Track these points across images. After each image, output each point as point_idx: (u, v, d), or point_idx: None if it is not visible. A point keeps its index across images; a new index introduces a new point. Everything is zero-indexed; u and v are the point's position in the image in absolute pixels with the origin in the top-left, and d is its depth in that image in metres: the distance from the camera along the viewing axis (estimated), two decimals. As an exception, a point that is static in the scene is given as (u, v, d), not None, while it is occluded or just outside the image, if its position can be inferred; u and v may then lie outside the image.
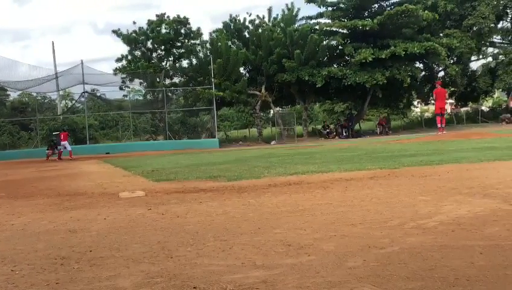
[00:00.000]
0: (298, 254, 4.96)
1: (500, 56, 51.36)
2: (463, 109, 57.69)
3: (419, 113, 59.01)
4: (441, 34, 47.76)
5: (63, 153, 34.07)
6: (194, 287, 4.12)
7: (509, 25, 52.03)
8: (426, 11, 45.94)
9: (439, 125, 27.50)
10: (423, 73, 51.10)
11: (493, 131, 32.40)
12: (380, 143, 27.55)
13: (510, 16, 51.00)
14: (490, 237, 5.15)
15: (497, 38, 52.67)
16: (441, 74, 52.30)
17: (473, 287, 3.72)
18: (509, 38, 51.75)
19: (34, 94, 50.07)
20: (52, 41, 58.26)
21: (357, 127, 49.63)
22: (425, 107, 59.91)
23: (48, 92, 47.38)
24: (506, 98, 57.70)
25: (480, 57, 54.03)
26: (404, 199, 7.76)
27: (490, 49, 53.59)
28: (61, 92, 46.13)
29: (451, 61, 49.36)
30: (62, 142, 33.19)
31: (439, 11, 47.90)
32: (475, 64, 54.35)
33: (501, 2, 48.29)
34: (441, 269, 4.20)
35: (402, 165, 13.04)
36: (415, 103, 57.28)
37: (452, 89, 54.12)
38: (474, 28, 48.22)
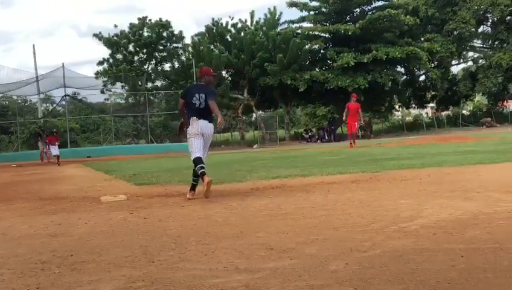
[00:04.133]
0: (280, 257, 4.97)
1: (481, 60, 51.85)
2: (444, 113, 58.06)
3: (400, 117, 59.26)
4: (422, 39, 48.16)
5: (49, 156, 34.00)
6: (176, 292, 4.12)
7: (489, 29, 52.54)
8: (408, 16, 46.33)
9: (352, 141, 26.65)
10: (404, 77, 51.43)
11: (474, 135, 32.64)
12: (362, 147, 27.64)
13: (490, 20, 51.46)
14: (471, 240, 5.18)
15: (477, 43, 53.19)
16: (422, 77, 52.65)
17: (455, 289, 3.75)
18: (490, 42, 52.23)
19: (15, 97, 49.96)
20: (33, 44, 57.89)
21: (339, 130, 49.93)
22: (407, 111, 60.19)
23: (28, 95, 47.40)
24: (486, 102, 58.20)
25: (461, 61, 54.56)
26: (385, 203, 7.79)
27: (471, 54, 54.18)
28: (42, 95, 46.00)
29: (432, 65, 49.76)
30: (50, 146, 32.97)
31: (420, 16, 48.29)
32: (456, 69, 54.93)
33: (481, 7, 48.68)
34: (423, 272, 4.22)
35: (383, 169, 13.11)
36: (397, 106, 57.55)
37: (433, 93, 54.58)
38: (455, 33, 48.67)
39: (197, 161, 9.76)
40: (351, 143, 26.18)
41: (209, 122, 10.12)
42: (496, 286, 3.80)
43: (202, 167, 9.63)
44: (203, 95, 9.91)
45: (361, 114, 26.59)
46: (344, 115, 26.80)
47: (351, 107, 25.66)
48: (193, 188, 10.00)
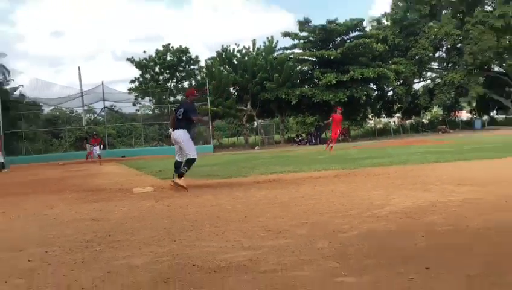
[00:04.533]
0: (277, 237, 4.97)
1: (437, 79, 51.81)
2: (407, 121, 57.98)
3: (373, 125, 59.19)
4: (390, 62, 48.08)
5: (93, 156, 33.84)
6: (194, 265, 4.11)
7: (444, 54, 52.48)
8: (378, 44, 46.29)
9: (332, 144, 26.20)
10: (376, 92, 51.35)
11: (432, 139, 32.59)
12: (341, 148, 27.58)
13: (445, 47, 51.41)
14: (430, 223, 5.18)
15: (434, 65, 53.16)
16: (390, 93, 52.60)
17: (416, 264, 3.74)
18: (444, 64, 52.20)
19: (64, 109, 49.95)
20: (79, 67, 57.73)
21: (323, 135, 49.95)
22: (378, 120, 60.13)
23: (75, 107, 47.29)
24: (441, 112, 58.15)
25: (421, 79, 54.51)
26: (361, 193, 7.78)
27: (429, 74, 54.12)
28: (85, 107, 46.00)
29: (398, 83, 49.73)
30: (94, 147, 32.69)
31: (388, 43, 48.30)
32: (417, 86, 54.81)
33: (437, 36, 48.69)
34: (391, 249, 4.22)
35: (360, 166, 13.08)
36: (370, 116, 57.53)
37: (399, 105, 54.60)
38: (416, 57, 48.65)
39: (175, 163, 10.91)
40: (331, 146, 25.84)
41: (181, 128, 10.61)
42: (450, 259, 3.79)
43: (176, 168, 10.73)
44: (182, 110, 10.65)
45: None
46: (329, 122, 26.46)
47: (336, 117, 25.47)
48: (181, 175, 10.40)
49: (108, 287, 3.66)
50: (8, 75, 50.32)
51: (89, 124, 48.45)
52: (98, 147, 32.25)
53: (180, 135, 10.57)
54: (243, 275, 3.74)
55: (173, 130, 10.80)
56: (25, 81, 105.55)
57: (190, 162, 10.44)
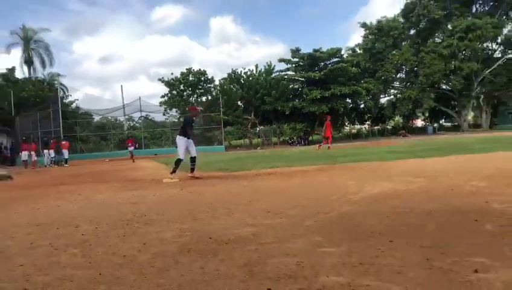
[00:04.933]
0: (274, 217, 4.97)
1: (398, 95, 51.68)
2: (376, 127, 57.87)
3: (348, 130, 59.10)
4: (362, 81, 48.01)
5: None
6: (210, 238, 4.12)
7: (403, 75, 52.40)
8: (353, 67, 46.36)
9: (325, 144, 26.16)
10: (351, 105, 51.31)
11: (394, 141, 32.55)
12: (323, 149, 27.56)
13: (404, 70, 51.33)
14: (392, 206, 5.17)
15: (396, 84, 53.05)
16: (362, 105, 52.54)
17: (382, 238, 3.74)
18: (404, 83, 52.08)
19: (110, 117, 50.13)
20: (121, 85, 58.15)
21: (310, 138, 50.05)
22: (353, 126, 59.99)
23: (118, 116, 47.48)
24: (402, 121, 58.06)
25: (386, 95, 54.34)
26: (339, 183, 7.77)
27: (392, 90, 53.94)
28: (126, 116, 46.04)
29: (368, 98, 49.62)
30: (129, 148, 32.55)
31: (361, 67, 48.27)
32: (383, 100, 54.68)
33: (399, 62, 48.66)
34: (363, 226, 4.21)
35: (338, 162, 13.07)
36: (346, 123, 57.49)
37: (369, 115, 54.55)
38: (382, 78, 48.59)
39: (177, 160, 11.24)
40: (320, 145, 25.72)
41: (180, 135, 11.35)
42: (408, 234, 3.78)
43: (177, 164, 11.19)
44: (183, 121, 11.57)
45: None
46: (324, 127, 26.34)
47: (328, 124, 25.70)
48: (175, 169, 11.15)
49: (144, 255, 3.67)
50: (67, 92, 50.59)
51: (129, 130, 48.51)
52: (131, 147, 32.14)
53: (177, 139, 11.34)
54: (248, 246, 3.75)
55: (184, 137, 11.32)
56: (80, 96, 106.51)
57: (193, 160, 11.36)
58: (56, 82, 46.18)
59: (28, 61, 49.85)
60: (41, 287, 2.96)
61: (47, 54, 50.50)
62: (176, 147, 11.35)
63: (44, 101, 38.62)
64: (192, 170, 11.16)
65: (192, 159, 11.25)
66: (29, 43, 49.44)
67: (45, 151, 29.24)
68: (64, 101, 45.93)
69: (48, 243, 4.34)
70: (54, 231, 4.99)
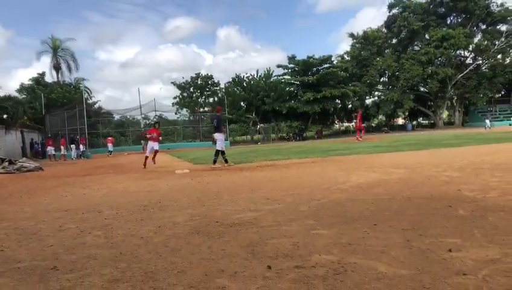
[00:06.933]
0: (273, 203, 4.97)
1: (382, 96, 51.60)
2: (362, 125, 57.78)
3: (338, 127, 58.92)
4: (350, 85, 47.84)
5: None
6: (216, 221, 4.12)
7: (386, 79, 52.24)
8: (342, 72, 46.28)
9: (359, 135, 25.85)
10: (340, 105, 51.20)
11: (378, 137, 32.53)
12: (316, 144, 27.57)
13: (387, 74, 51.18)
14: (376, 194, 5.18)
15: (380, 87, 52.87)
16: (350, 106, 52.37)
17: (367, 221, 3.74)
18: (386, 87, 51.94)
19: (128, 116, 50.06)
20: (138, 88, 58.02)
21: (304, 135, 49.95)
22: (342, 124, 59.79)
23: (135, 115, 47.29)
24: (384, 119, 57.92)
25: (371, 97, 54.22)
26: (330, 173, 7.78)
27: (376, 93, 53.77)
28: (142, 115, 45.95)
29: (355, 99, 49.51)
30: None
31: (349, 72, 48.15)
32: (368, 101, 54.47)
33: (382, 67, 48.58)
34: (351, 212, 4.22)
35: (329, 155, 13.09)
36: (336, 121, 57.30)
37: (355, 114, 54.36)
38: (368, 81, 48.46)
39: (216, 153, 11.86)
40: (360, 136, 25.32)
41: (216, 132, 11.84)
42: (390, 218, 3.78)
43: (216, 156, 11.77)
44: (215, 120, 12.11)
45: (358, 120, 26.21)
46: (357, 120, 26.23)
47: (359, 117, 25.74)
48: (214, 162, 11.75)
49: (159, 236, 3.68)
50: (91, 94, 50.55)
51: (145, 127, 48.51)
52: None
53: (216, 135, 11.81)
54: (250, 228, 3.76)
55: (214, 133, 12.09)
56: (102, 98, 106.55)
57: (217, 153, 11.80)
58: (81, 85, 45.95)
59: (56, 67, 49.79)
60: (69, 265, 2.97)
61: (73, 61, 50.42)
62: (214, 143, 11.93)
63: (71, 102, 38.59)
64: (222, 161, 11.84)
65: (222, 153, 11.87)
66: (57, 51, 49.34)
67: (72, 146, 29.30)
68: (88, 102, 45.85)
69: (74, 226, 4.35)
70: (80, 215, 5.00)
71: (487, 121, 37.50)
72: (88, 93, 49.21)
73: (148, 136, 13.82)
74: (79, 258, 3.11)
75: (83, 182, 9.67)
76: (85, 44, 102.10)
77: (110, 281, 2.56)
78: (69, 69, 50.42)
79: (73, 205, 5.86)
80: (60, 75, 50.23)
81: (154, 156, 13.95)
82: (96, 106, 48.85)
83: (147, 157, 13.41)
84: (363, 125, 25.69)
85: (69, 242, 3.67)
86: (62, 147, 28.61)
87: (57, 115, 37.70)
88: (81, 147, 29.97)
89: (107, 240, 3.66)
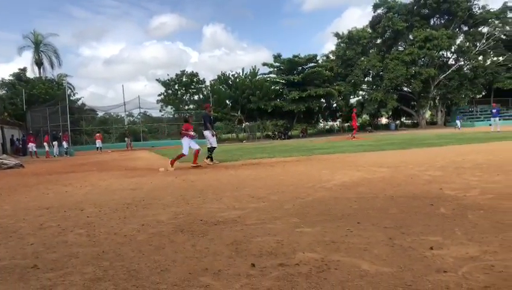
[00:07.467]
0: (258, 201, 4.97)
1: (366, 96, 52.06)
2: (346, 124, 57.90)
3: (323, 126, 59.21)
4: (335, 84, 48.10)
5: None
6: (201, 220, 4.10)
7: (370, 79, 52.66)
8: (327, 71, 46.49)
9: (354, 134, 26.02)
10: (325, 104, 51.48)
11: (362, 136, 32.83)
12: (301, 142, 27.70)
13: (371, 74, 51.59)
14: (360, 192, 5.22)
15: (364, 87, 53.26)
16: (334, 105, 52.66)
17: (351, 220, 3.77)
18: (371, 86, 52.35)
19: (112, 113, 49.47)
20: (122, 85, 57.42)
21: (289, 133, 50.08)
22: (326, 123, 60.11)
23: (119, 112, 46.77)
24: (368, 118, 58.45)
25: (355, 96, 54.62)
26: (314, 172, 7.82)
27: (361, 92, 54.19)
28: (126, 113, 45.43)
29: (340, 98, 49.82)
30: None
31: (334, 72, 48.41)
32: (352, 100, 54.86)
33: (366, 67, 48.98)
34: (334, 210, 4.25)
35: (313, 154, 13.15)
36: (321, 120, 57.57)
37: (340, 113, 54.66)
38: (352, 81, 48.79)
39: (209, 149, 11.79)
40: (353, 136, 25.48)
41: (205, 130, 11.91)
42: (373, 217, 3.82)
43: (210, 152, 11.73)
44: (203, 118, 11.99)
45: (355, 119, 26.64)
46: (354, 120, 26.61)
47: (354, 116, 26.10)
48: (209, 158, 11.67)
49: (142, 235, 3.65)
50: (74, 90, 49.81)
51: (129, 124, 47.96)
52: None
53: (206, 133, 11.83)
54: (234, 227, 3.75)
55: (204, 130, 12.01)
56: (86, 94, 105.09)
57: (211, 149, 11.80)
58: (64, 81, 45.27)
59: (38, 63, 48.92)
60: (49, 263, 2.92)
61: (55, 56, 49.65)
62: (207, 138, 11.86)
63: (53, 99, 37.95)
64: (208, 157, 11.76)
65: (210, 149, 11.84)
66: (39, 46, 48.47)
67: (54, 143, 28.84)
68: (71, 98, 45.15)
69: (56, 224, 4.28)
70: (61, 213, 4.93)
71: (458, 122, 38.42)
72: (71, 89, 48.46)
73: (190, 132, 11.30)
74: (60, 257, 3.07)
75: (65, 179, 9.53)
76: (68, 40, 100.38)
77: (92, 280, 2.53)
78: (52, 64, 49.63)
79: (55, 203, 5.77)
80: (42, 71, 49.40)
81: (178, 157, 11.24)
82: (79, 102, 48.12)
83: (181, 156, 11.13)
84: (357, 124, 25.91)
85: (50, 241, 3.61)
86: (46, 144, 28.14)
87: (39, 112, 37.01)
88: (64, 144, 29.52)
89: (89, 239, 3.61)
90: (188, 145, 11.09)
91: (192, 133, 11.24)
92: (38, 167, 15.90)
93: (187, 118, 12.19)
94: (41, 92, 40.93)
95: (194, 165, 10.93)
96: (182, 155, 11.09)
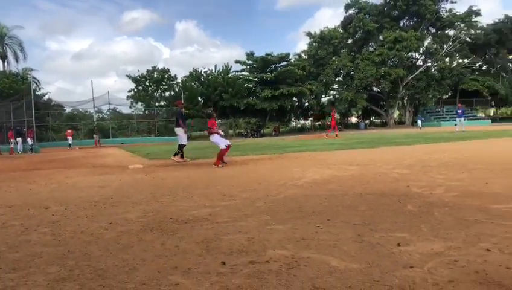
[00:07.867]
0: (229, 199, 4.96)
1: (337, 95, 52.79)
2: (317, 123, 58.58)
3: (295, 125, 59.65)
4: (307, 83, 48.54)
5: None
6: (171, 218, 4.06)
7: (341, 79, 53.41)
8: (299, 70, 46.80)
9: (330, 132, 26.30)
10: (297, 103, 51.86)
11: (332, 135, 33.28)
12: (274, 141, 27.83)
13: (342, 74, 52.37)
14: (330, 190, 5.28)
15: (335, 86, 53.97)
16: (306, 104, 53.11)
17: (321, 216, 3.80)
18: (342, 86, 53.10)
19: (80, 109, 48.19)
20: (91, 80, 55.68)
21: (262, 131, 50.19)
22: (298, 121, 60.58)
23: (88, 108, 45.58)
24: (339, 117, 59.36)
25: (327, 95, 55.28)
26: (286, 169, 7.86)
27: (332, 92, 54.87)
28: (95, 109, 44.37)
29: (312, 97, 50.34)
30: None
31: (306, 71, 48.83)
32: (324, 99, 55.50)
33: (338, 67, 49.67)
34: (305, 207, 4.28)
35: (285, 152, 13.22)
36: (293, 119, 58.01)
37: (312, 112, 55.24)
38: (324, 80, 49.33)
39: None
40: (335, 134, 25.54)
41: (177, 127, 11.86)
42: (343, 214, 3.87)
43: (179, 150, 11.62)
44: (175, 116, 12.11)
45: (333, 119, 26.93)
46: (333, 119, 26.70)
47: (333, 115, 26.50)
48: (178, 153, 11.65)
49: (110, 233, 3.57)
50: (40, 85, 48.25)
51: (98, 121, 46.87)
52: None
53: (177, 131, 11.84)
54: (205, 225, 3.73)
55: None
56: (53, 89, 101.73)
57: (181, 147, 11.70)
58: (29, 76, 43.66)
59: (2, 56, 47.07)
60: (12, 263, 2.81)
61: (20, 50, 47.90)
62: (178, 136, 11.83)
63: (18, 93, 36.63)
64: (176, 154, 11.67)
65: (180, 147, 11.68)
66: (3, 38, 46.62)
67: (18, 139, 27.85)
68: (37, 93, 43.70)
69: (19, 223, 4.13)
70: (25, 212, 4.76)
71: (419, 122, 39.58)
72: (37, 84, 46.91)
73: (220, 131, 10.45)
74: (23, 257, 2.96)
75: (29, 177, 9.21)
76: (35, 33, 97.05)
77: (56, 280, 2.45)
78: (16, 58, 47.86)
79: (18, 201, 5.57)
80: (6, 65, 47.60)
81: (221, 155, 9.87)
82: (45, 97, 46.65)
83: (224, 152, 9.99)
84: (336, 125, 26.24)
85: (13, 240, 3.48)
86: (12, 140, 27.15)
87: (2, 106, 35.64)
88: (29, 140, 28.53)
89: (54, 237, 3.50)
90: (222, 140, 9.94)
91: (220, 131, 10.20)
92: (0, 164, 15.32)
93: (211, 112, 11.29)
94: (5, 87, 39.47)
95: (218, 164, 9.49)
96: (225, 150, 9.86)
